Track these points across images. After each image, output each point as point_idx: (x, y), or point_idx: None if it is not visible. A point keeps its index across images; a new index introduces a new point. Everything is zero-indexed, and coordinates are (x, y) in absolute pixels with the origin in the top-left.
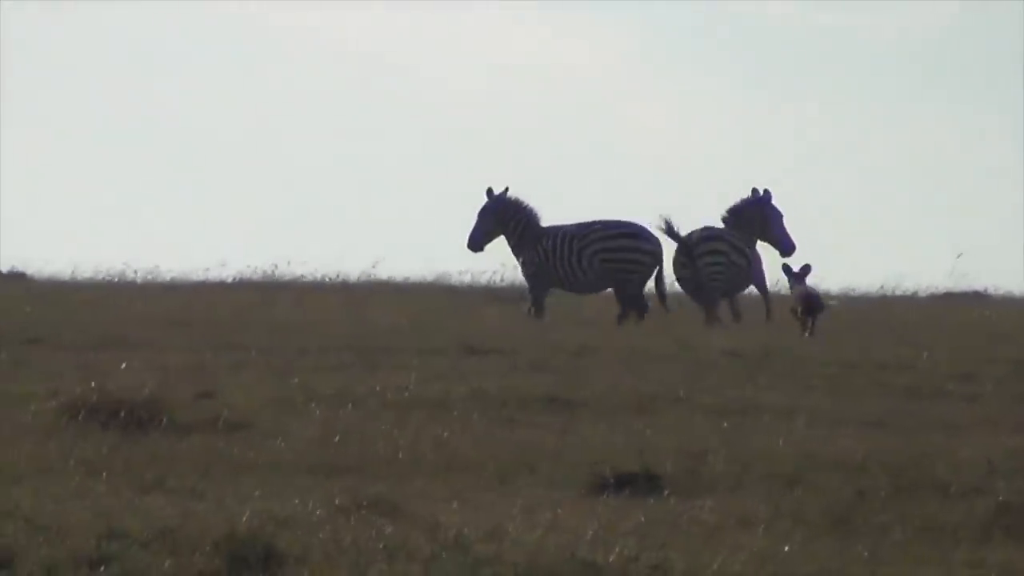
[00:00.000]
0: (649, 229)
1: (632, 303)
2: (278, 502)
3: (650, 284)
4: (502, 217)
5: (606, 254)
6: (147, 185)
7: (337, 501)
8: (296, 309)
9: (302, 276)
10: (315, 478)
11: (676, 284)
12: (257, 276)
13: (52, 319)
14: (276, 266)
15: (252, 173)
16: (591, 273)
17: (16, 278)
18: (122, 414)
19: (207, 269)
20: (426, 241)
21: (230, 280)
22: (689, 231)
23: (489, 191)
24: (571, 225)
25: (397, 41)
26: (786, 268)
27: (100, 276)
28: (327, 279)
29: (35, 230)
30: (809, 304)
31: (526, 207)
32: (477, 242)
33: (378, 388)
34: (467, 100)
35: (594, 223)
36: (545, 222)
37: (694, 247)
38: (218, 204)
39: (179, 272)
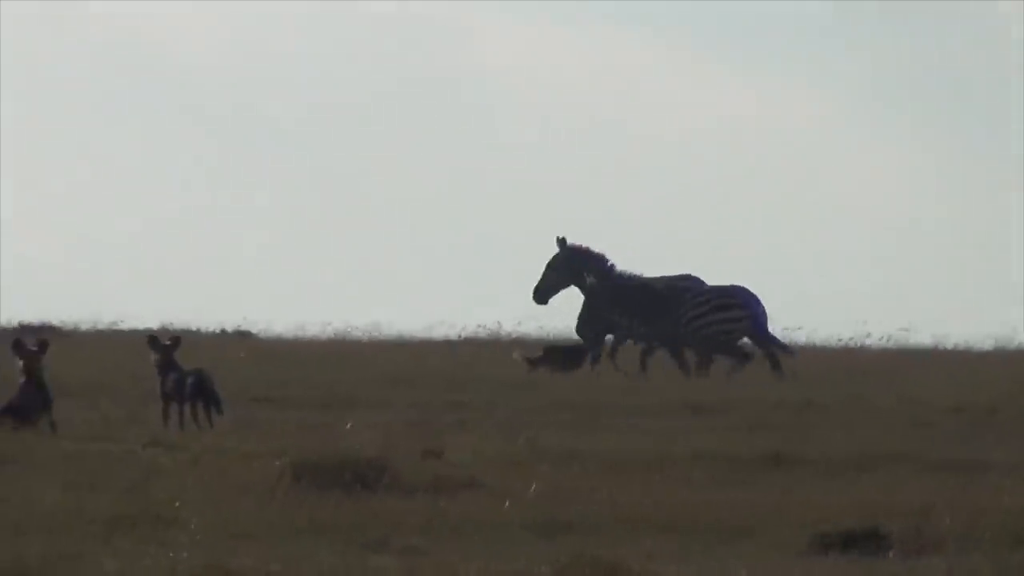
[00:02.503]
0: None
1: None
2: (503, 562)
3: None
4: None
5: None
6: (373, 243)
7: (561, 560)
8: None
9: (529, 333)
10: (539, 537)
11: None
12: (483, 334)
13: (277, 378)
14: (500, 324)
15: (480, 231)
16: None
17: (242, 337)
18: (346, 473)
19: (432, 326)
20: None
21: (455, 337)
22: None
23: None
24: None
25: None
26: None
27: (325, 335)
28: (554, 336)
29: (260, 289)
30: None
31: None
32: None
33: (602, 446)
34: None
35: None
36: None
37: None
38: (443, 262)
39: (404, 329)
